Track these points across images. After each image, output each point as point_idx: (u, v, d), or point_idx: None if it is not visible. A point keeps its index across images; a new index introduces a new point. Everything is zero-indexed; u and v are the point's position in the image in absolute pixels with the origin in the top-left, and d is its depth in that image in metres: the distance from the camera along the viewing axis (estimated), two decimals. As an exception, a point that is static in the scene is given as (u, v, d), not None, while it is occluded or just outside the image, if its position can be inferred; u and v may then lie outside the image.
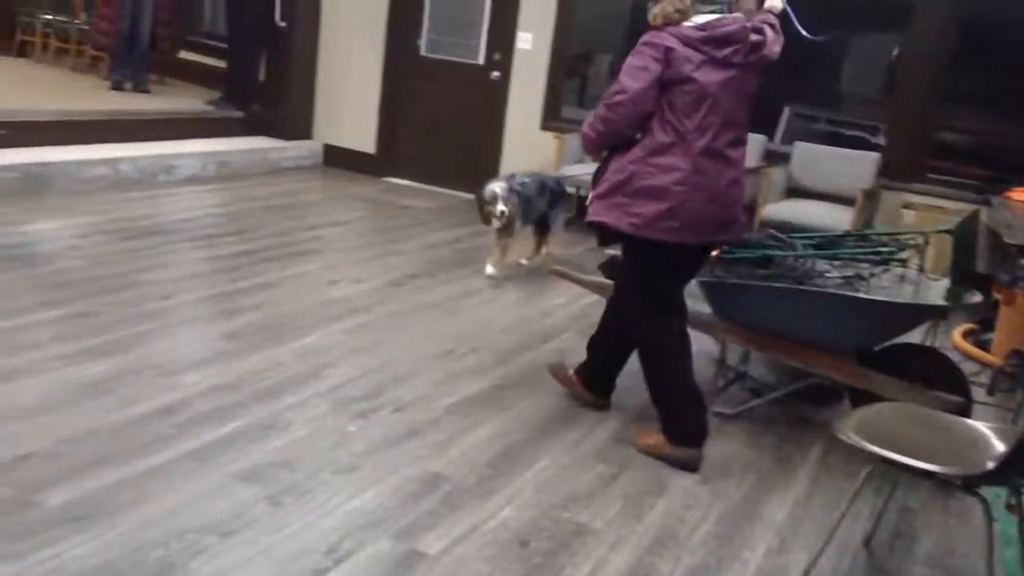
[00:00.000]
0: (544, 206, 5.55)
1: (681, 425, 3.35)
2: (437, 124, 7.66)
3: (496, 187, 5.26)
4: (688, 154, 3.11)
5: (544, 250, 5.77)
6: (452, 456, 3.22)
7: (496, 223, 5.24)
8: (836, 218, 5.85)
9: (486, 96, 7.37)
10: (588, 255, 5.59)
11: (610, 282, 3.78)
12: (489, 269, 5.44)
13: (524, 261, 5.68)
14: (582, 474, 3.21)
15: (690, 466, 3.31)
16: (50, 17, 9.33)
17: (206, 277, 4.84)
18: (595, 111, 3.23)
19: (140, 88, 8.02)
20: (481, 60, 7.45)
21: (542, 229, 5.71)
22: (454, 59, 7.56)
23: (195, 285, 4.67)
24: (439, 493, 2.96)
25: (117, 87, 7.99)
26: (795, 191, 6.40)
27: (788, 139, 6.92)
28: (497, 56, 7.35)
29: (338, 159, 7.97)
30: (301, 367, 3.78)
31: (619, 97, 3.10)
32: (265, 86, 7.92)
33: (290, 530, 2.66)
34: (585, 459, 3.33)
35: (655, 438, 3.39)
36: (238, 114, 7.81)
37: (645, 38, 3.13)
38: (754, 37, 3.17)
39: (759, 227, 5.63)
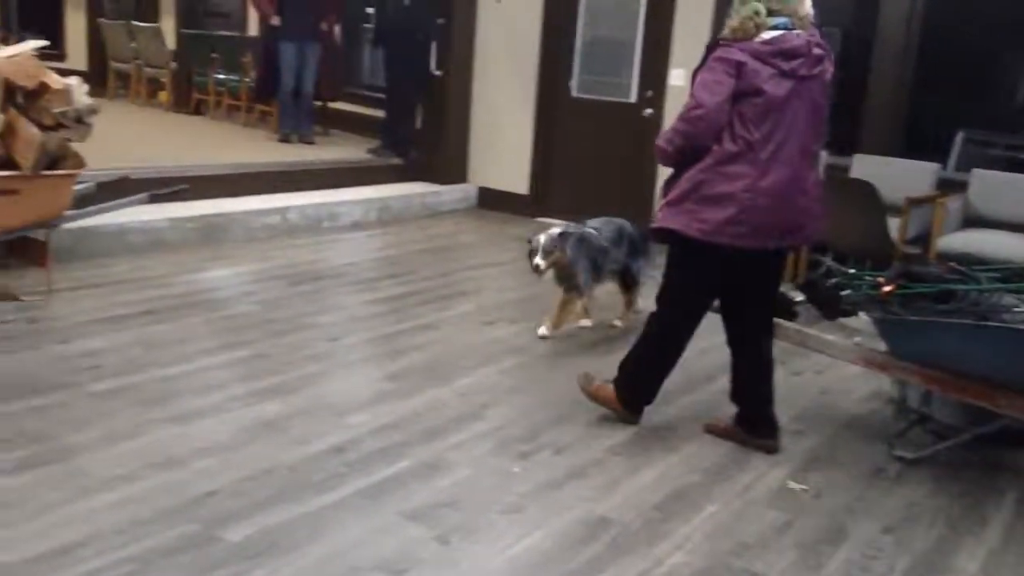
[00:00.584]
0: (623, 256, 4.86)
1: (633, 395, 3.70)
2: (589, 163, 7.68)
3: (542, 236, 4.57)
4: (755, 162, 3.25)
5: (636, 307, 4.99)
6: (617, 499, 3.16)
7: (539, 277, 4.65)
8: (1022, 249, 5.47)
9: (639, 134, 7.34)
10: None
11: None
12: (541, 329, 4.77)
13: (618, 323, 5.02)
14: (753, 520, 3.08)
15: (629, 422, 3.72)
16: (222, 76, 9.99)
17: (369, 319, 4.99)
18: (672, 126, 3.37)
19: (306, 140, 8.45)
20: (633, 98, 7.44)
21: (627, 284, 5.00)
22: (606, 98, 7.58)
23: (359, 327, 4.82)
24: (606, 537, 2.90)
25: (285, 140, 8.44)
26: (974, 221, 6.02)
27: (963, 166, 6.54)
28: (649, 93, 7.32)
29: (493, 201, 8.12)
30: (462, 407, 3.82)
31: (698, 112, 3.24)
32: (422, 133, 8.20)
33: (459, 570, 2.67)
34: (756, 504, 3.19)
35: (606, 391, 3.73)
36: (397, 161, 8.10)
37: (718, 54, 3.28)
38: (816, 51, 3.32)
39: (935, 259, 5.29)
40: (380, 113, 8.52)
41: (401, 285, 5.62)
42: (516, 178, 8.04)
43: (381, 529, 2.84)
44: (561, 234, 4.62)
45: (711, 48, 3.33)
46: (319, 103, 8.95)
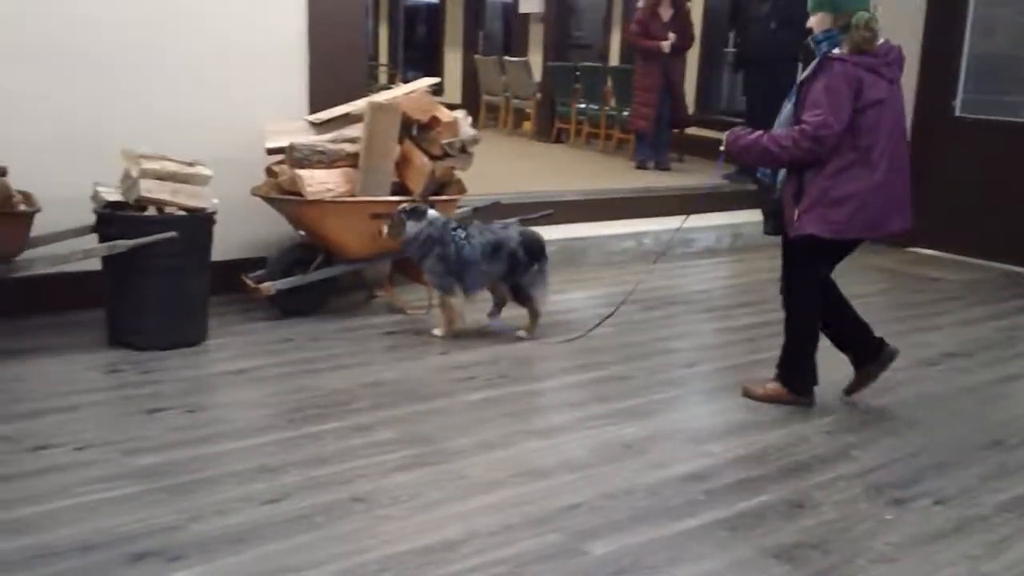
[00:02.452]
0: (500, 274, 4.67)
1: (802, 374, 3.97)
2: (975, 189, 6.98)
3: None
4: (869, 163, 3.62)
5: (536, 322, 4.79)
6: (1007, 560, 2.81)
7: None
8: None
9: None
10: None
11: None
12: (436, 330, 4.73)
13: (522, 334, 4.79)
14: None
15: (805, 404, 3.97)
16: (583, 106, 10.43)
17: (724, 348, 4.90)
18: (789, 134, 3.62)
19: (662, 167, 8.56)
20: (1027, 117, 6.67)
21: (520, 299, 4.77)
22: (996, 118, 6.86)
23: (714, 355, 4.75)
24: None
25: (641, 166, 8.62)
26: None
27: None
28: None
29: (854, 229, 7.66)
30: (828, 445, 3.62)
31: (826, 132, 3.54)
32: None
33: (827, 619, 2.51)
34: None
35: (772, 387, 4.01)
36: (752, 187, 7.92)
37: (838, 69, 3.55)
38: (900, 55, 3.71)
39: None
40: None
41: (755, 315, 5.46)
42: (883, 204, 7.51)
43: (742, 563, 2.76)
44: (407, 211, 4.53)
45: (823, 62, 3.60)
46: (676, 130, 9.03)
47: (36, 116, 4.39)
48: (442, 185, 5.05)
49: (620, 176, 8.29)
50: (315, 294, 4.92)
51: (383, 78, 14.52)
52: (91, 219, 4.29)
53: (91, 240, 4.27)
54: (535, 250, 4.69)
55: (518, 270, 4.63)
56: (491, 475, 3.25)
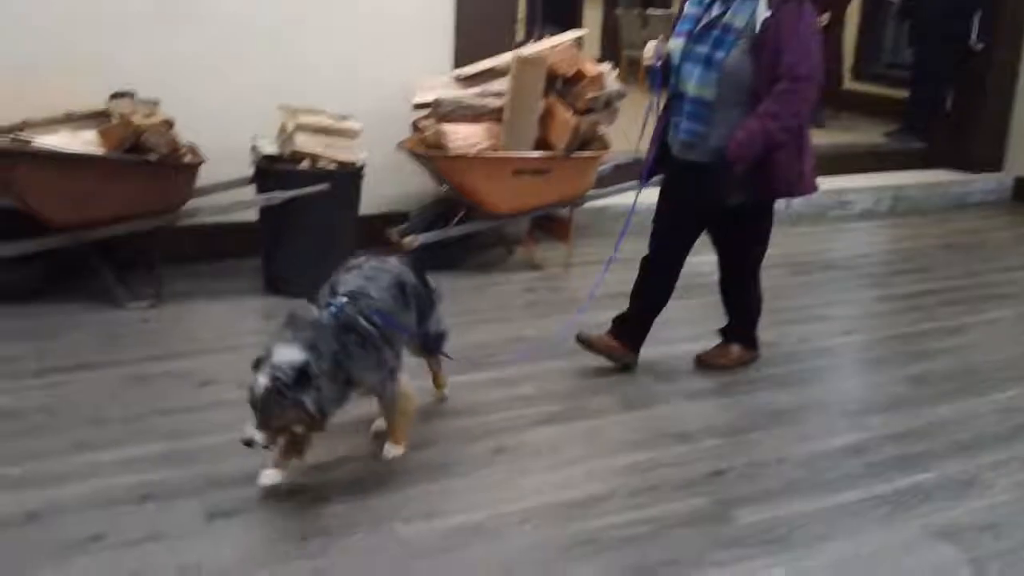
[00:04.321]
0: (414, 322, 3.02)
1: (754, 330, 3.81)
2: None
3: (261, 377, 2.57)
4: None
5: (443, 381, 3.36)
6: None
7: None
8: None
9: None
10: None
11: None
12: (265, 477, 2.72)
13: (442, 392, 3.37)
14: None
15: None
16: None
17: (885, 316, 4.63)
18: (786, 107, 3.19)
19: (816, 123, 8.14)
20: None
21: (428, 351, 3.24)
22: None
23: (874, 324, 4.50)
24: None
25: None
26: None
27: None
28: None
29: (1031, 193, 7.11)
30: (1001, 423, 3.37)
31: (812, 84, 3.21)
32: (951, 114, 7.41)
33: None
34: None
35: (735, 352, 3.79)
36: (918, 146, 7.44)
37: (806, 9, 3.20)
38: None
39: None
40: (900, 93, 7.89)
41: (919, 283, 5.13)
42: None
43: (905, 542, 2.60)
44: (295, 374, 2.52)
45: (787, 2, 3.17)
46: (833, 85, 8.56)
47: (202, 74, 4.54)
48: (585, 141, 4.95)
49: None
50: (455, 249, 4.93)
51: (521, 34, 14.41)
52: (250, 172, 4.42)
53: (249, 192, 4.41)
54: (423, 272, 3.16)
55: (425, 308, 3.07)
56: (633, 435, 3.18)
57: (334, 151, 4.31)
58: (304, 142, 4.24)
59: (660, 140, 3.58)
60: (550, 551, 2.51)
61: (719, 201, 3.40)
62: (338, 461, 2.91)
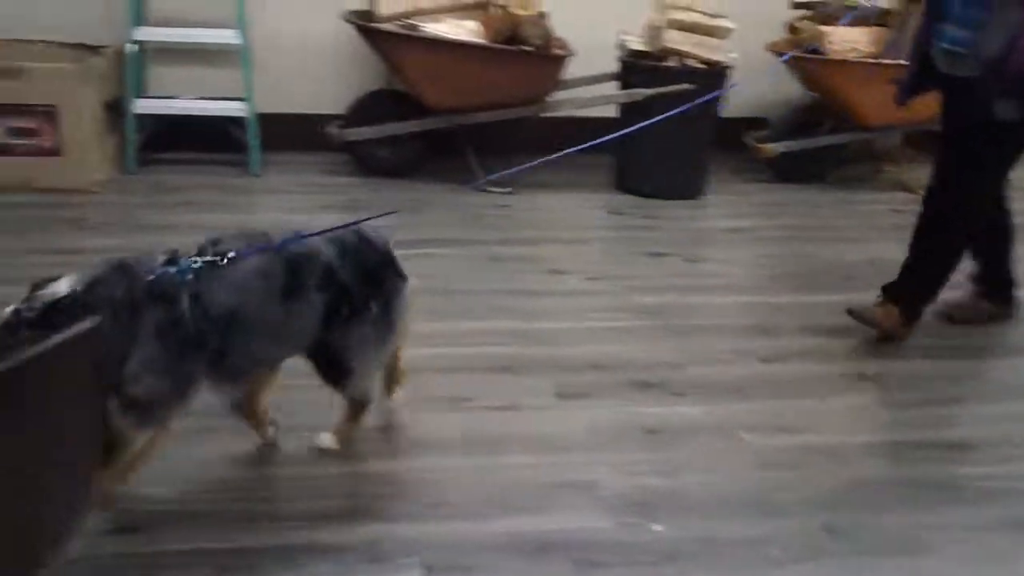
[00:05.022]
0: (310, 328, 2.11)
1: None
2: None
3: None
4: None
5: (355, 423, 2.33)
6: None
7: None
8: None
9: None
10: None
11: None
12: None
13: (326, 441, 2.32)
14: None
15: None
16: None
17: None
18: None
19: None
20: None
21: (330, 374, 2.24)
22: None
23: None
24: None
25: None
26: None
27: None
28: None
29: None
30: None
31: None
32: None
33: None
34: None
35: (894, 315, 3.00)
36: None
37: None
38: None
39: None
40: None
41: None
42: None
43: None
44: (44, 307, 1.76)
45: None
46: None
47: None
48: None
49: None
50: (817, 161, 4.65)
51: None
52: (614, 67, 4.42)
53: (611, 87, 4.42)
54: (373, 269, 2.20)
55: (336, 318, 2.12)
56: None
57: (703, 50, 4.18)
58: (674, 39, 4.15)
59: (921, 50, 2.90)
60: (903, 488, 2.34)
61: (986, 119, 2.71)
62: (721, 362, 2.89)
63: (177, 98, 4.35)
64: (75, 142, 3.98)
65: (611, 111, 4.40)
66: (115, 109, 4.21)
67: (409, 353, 2.78)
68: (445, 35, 4.07)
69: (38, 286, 1.80)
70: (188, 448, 2.19)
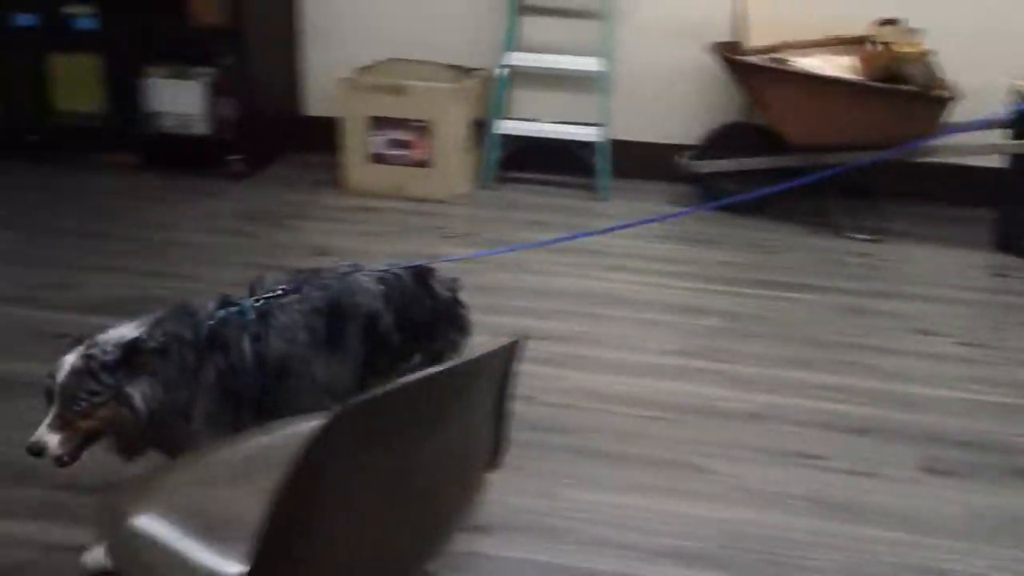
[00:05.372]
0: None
1: None
2: None
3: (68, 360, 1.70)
4: None
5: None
6: None
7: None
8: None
9: None
10: None
11: None
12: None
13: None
14: None
15: None
16: None
17: None
18: None
19: None
20: None
21: None
22: None
23: None
24: None
25: None
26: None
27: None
28: None
29: None
30: None
31: None
32: None
33: None
34: None
35: None
36: None
37: None
38: None
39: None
40: None
41: None
42: None
43: None
44: (120, 352, 1.69)
45: None
46: None
47: (959, 5, 4.19)
48: None
49: None
50: None
51: None
52: (1002, 113, 3.96)
53: (998, 135, 3.97)
54: (424, 322, 2.03)
55: (369, 370, 1.97)
56: None
57: None
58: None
59: None
60: None
61: None
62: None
63: (537, 120, 4.50)
64: (444, 156, 4.26)
65: (996, 160, 3.95)
66: (479, 128, 4.44)
67: (759, 399, 2.63)
68: (818, 71, 3.87)
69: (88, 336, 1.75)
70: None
